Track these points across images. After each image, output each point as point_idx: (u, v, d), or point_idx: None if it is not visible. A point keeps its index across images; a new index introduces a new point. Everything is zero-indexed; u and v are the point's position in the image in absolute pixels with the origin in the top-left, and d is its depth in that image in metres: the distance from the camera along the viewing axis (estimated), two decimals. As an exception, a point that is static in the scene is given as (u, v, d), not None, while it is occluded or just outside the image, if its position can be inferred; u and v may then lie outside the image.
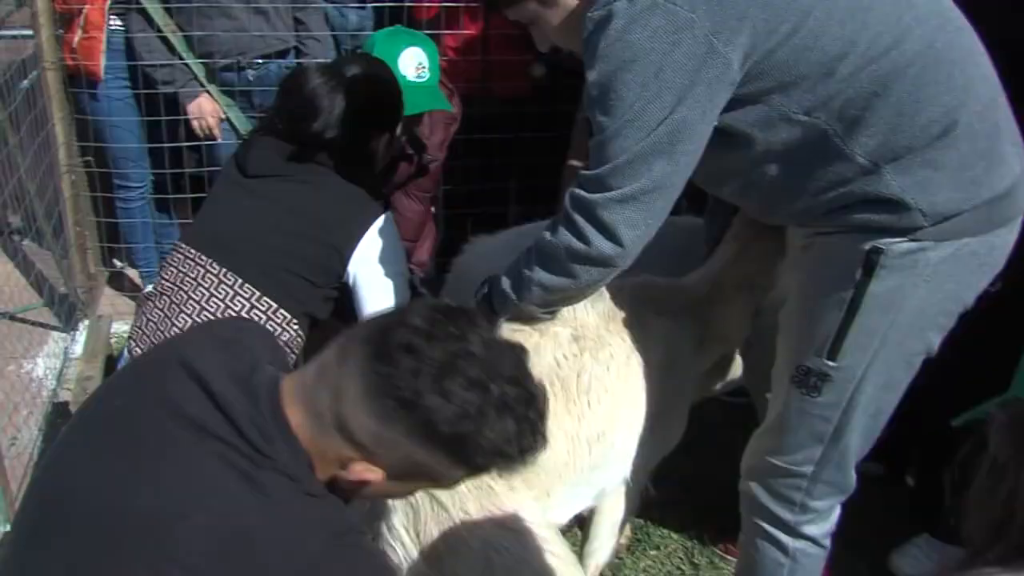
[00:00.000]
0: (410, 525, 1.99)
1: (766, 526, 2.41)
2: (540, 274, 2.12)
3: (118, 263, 4.84)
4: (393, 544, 1.91)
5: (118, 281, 4.87)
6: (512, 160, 4.55)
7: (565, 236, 2.04)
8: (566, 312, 2.33)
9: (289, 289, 2.63)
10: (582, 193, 2.01)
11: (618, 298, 2.44)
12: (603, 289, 2.32)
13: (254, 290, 2.61)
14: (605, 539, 2.71)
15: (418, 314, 1.45)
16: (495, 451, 1.45)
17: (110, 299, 4.69)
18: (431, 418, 1.40)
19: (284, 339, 2.64)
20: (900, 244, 1.98)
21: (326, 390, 1.46)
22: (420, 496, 2.01)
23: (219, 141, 4.25)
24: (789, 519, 2.36)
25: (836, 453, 2.23)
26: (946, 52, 1.92)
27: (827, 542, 2.43)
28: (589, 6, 1.96)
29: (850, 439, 2.20)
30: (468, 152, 4.17)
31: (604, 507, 2.66)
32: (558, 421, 2.10)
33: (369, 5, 4.33)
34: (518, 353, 1.51)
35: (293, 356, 2.69)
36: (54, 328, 4.32)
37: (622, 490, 2.59)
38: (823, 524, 2.39)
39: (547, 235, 2.11)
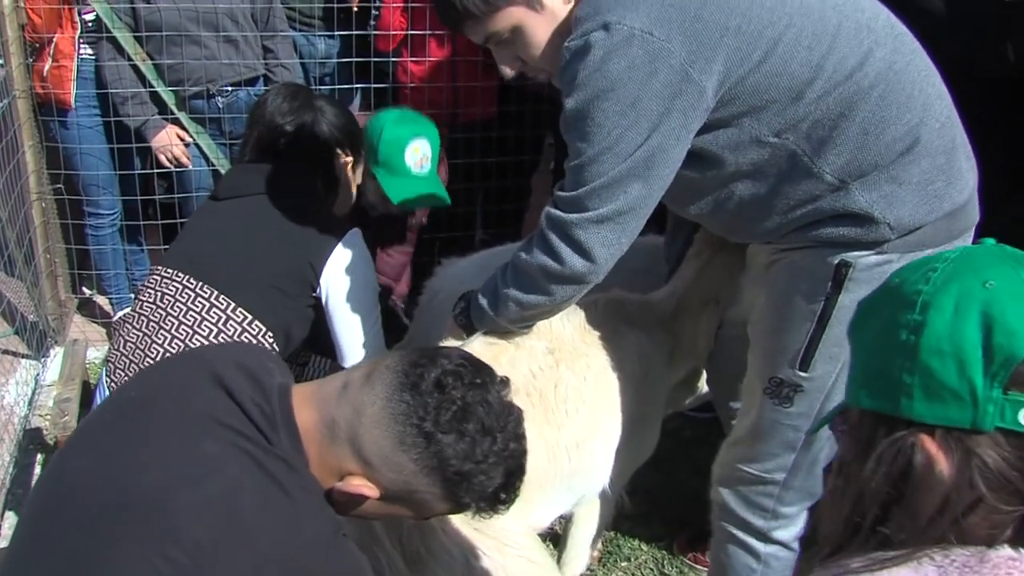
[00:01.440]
0: (392, 530, 2.02)
1: (738, 532, 2.46)
2: (516, 292, 2.19)
3: (87, 291, 4.84)
4: (375, 549, 1.95)
5: (88, 308, 4.87)
6: (478, 185, 4.62)
7: (539, 256, 2.10)
8: (542, 325, 2.39)
9: (265, 300, 2.65)
10: (558, 213, 2.06)
11: (592, 312, 2.51)
12: (578, 304, 2.37)
13: (229, 301, 2.62)
14: (581, 548, 2.77)
15: (450, 359, 1.59)
16: (482, 495, 1.60)
17: (80, 326, 4.68)
18: (444, 452, 1.54)
19: None
20: (868, 257, 2.05)
21: (347, 405, 1.57)
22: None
23: (189, 168, 4.29)
24: (761, 525, 2.41)
25: (807, 460, 2.29)
26: (905, 73, 2.00)
27: (796, 546, 2.47)
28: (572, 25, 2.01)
29: (820, 446, 2.26)
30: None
31: (580, 517, 2.71)
32: (538, 430, 2.15)
33: (337, 34, 4.41)
34: (520, 414, 1.65)
35: None
36: (24, 356, 4.30)
37: (598, 500, 2.64)
38: (793, 529, 2.44)
39: (522, 255, 2.16)
